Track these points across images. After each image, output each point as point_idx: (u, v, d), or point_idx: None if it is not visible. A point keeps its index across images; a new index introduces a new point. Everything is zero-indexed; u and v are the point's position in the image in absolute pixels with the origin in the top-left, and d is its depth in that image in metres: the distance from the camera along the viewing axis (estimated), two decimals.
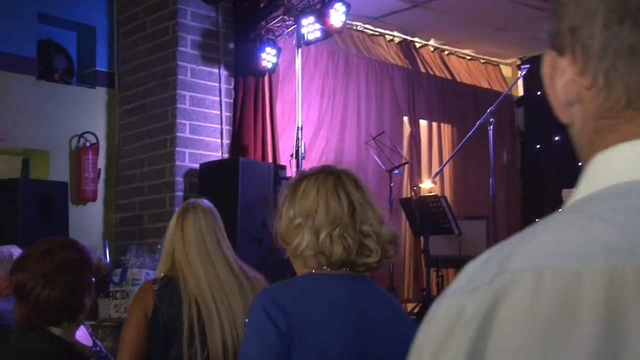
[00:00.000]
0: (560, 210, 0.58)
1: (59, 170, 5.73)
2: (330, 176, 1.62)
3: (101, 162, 5.96)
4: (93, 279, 1.99)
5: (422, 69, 7.36)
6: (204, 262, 2.20)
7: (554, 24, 0.58)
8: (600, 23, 0.53)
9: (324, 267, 1.58)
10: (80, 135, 5.83)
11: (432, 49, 7.59)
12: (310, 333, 1.50)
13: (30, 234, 4.80)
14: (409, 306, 5.32)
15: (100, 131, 6.02)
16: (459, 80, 7.66)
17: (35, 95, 5.66)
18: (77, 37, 6.18)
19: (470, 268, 0.53)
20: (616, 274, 0.46)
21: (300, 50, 5.41)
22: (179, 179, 5.54)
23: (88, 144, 5.82)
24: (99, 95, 6.06)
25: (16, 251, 2.97)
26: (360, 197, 1.62)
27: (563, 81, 0.57)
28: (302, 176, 1.68)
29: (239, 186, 5.09)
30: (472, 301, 0.49)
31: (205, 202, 2.37)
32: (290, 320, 1.48)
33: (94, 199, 5.83)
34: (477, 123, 5.24)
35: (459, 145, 5.95)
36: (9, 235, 4.80)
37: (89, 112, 5.99)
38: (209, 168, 5.51)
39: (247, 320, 1.55)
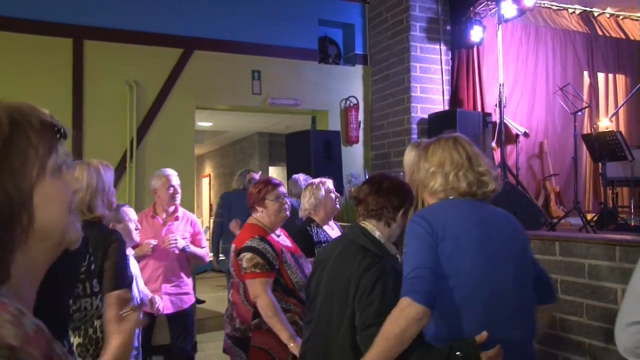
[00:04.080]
0: None
1: (334, 123, 6.87)
2: (450, 139, 1.86)
3: (360, 116, 6.98)
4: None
5: (600, 32, 7.55)
6: None
7: None
8: None
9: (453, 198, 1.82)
10: (347, 99, 6.94)
11: (608, 15, 7.72)
12: (449, 231, 1.68)
13: (319, 166, 6.02)
14: (589, 215, 5.33)
15: (359, 95, 7.02)
16: (632, 38, 7.74)
17: (317, 74, 6.85)
18: (342, 32, 7.22)
19: None
20: None
21: (500, 26, 5.74)
22: (414, 126, 6.40)
23: (351, 104, 6.94)
24: (357, 71, 7.07)
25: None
26: (473, 150, 1.84)
27: None
28: (428, 143, 1.90)
29: (457, 129, 5.58)
30: None
31: None
32: (433, 225, 1.68)
33: (357, 142, 6.92)
34: None
35: (634, 90, 6.43)
36: (305, 166, 6.05)
37: (351, 83, 7.00)
38: (435, 117, 6.21)
39: (405, 235, 1.77)
